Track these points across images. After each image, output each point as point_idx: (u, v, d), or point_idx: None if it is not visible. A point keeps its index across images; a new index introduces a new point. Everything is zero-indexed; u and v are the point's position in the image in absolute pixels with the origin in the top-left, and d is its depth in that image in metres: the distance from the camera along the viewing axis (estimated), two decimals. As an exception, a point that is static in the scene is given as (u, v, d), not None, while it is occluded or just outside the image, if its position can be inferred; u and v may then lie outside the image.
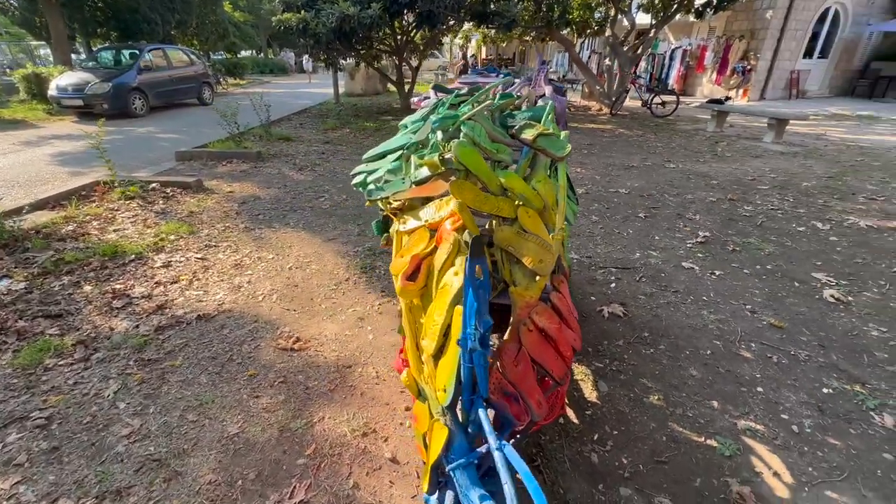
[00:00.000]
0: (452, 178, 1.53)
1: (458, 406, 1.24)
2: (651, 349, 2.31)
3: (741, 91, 13.02)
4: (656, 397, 2.00)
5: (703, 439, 1.79)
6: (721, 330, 2.46)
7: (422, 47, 10.94)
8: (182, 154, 6.20)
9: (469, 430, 1.24)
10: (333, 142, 7.47)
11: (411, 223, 1.53)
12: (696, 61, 14.28)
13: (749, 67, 12.74)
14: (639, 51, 11.07)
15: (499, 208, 1.50)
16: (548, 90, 2.29)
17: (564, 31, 11.93)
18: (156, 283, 2.91)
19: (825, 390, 2.03)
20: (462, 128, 1.65)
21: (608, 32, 11.16)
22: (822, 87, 14.35)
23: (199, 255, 3.32)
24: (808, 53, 13.55)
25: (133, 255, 3.25)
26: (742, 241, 3.58)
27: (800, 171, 5.74)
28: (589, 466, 1.66)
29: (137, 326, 2.44)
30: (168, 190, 4.71)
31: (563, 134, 1.74)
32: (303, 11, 7.64)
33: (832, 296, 2.78)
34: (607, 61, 13.47)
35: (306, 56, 21.16)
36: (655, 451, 1.74)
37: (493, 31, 12.42)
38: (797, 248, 3.47)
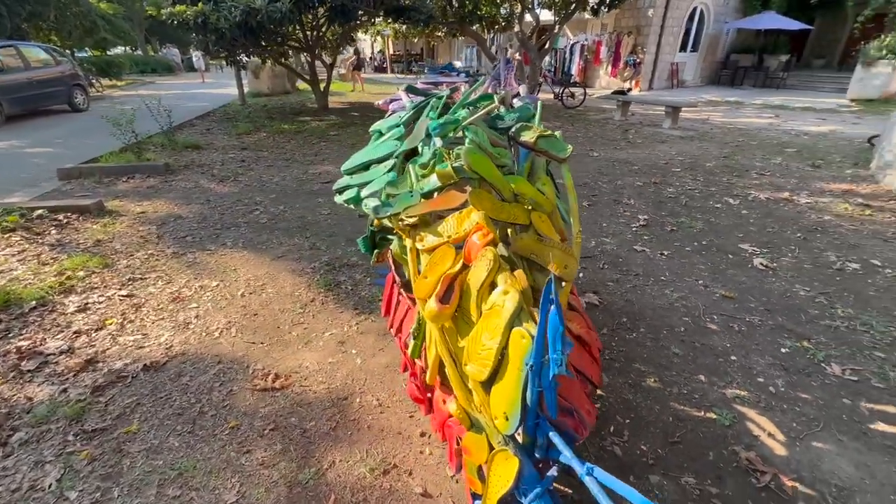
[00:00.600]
0: (468, 187, 1.44)
1: (518, 431, 1.17)
2: (633, 333, 2.43)
3: (634, 82, 14.37)
4: (652, 380, 2.10)
5: (702, 413, 1.91)
6: (686, 307, 2.67)
7: (334, 44, 10.44)
8: (67, 172, 5.24)
9: (536, 454, 1.18)
10: (251, 147, 6.84)
11: (429, 239, 1.41)
12: (594, 55, 15.45)
13: (639, 60, 14.09)
14: (546, 46, 11.67)
15: (514, 216, 1.44)
16: (522, 89, 2.27)
17: (474, 27, 12.17)
18: (75, 332, 2.41)
19: (783, 350, 2.29)
20: (467, 133, 1.56)
21: (516, 28, 11.60)
22: (696, 77, 16.36)
23: (123, 293, 2.82)
24: (683, 47, 15.35)
25: (33, 302, 2.66)
26: (676, 221, 3.93)
27: (699, 153, 6.46)
28: (615, 460, 1.69)
29: (66, 390, 2.00)
30: (60, 216, 3.94)
31: (557, 134, 1.72)
32: (200, 4, 6.84)
33: (761, 264, 3.16)
34: (517, 56, 14.02)
35: (197, 53, 19.13)
36: (667, 432, 1.82)
37: (405, 27, 12.28)
38: (720, 223, 3.90)
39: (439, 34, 13.44)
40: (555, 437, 1.11)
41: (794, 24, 14.15)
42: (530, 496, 1.11)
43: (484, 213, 1.38)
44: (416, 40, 18.14)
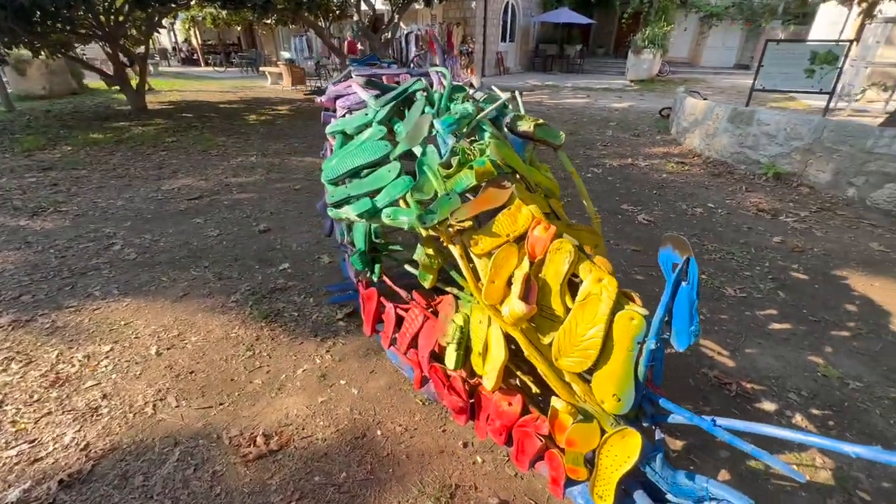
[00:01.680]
0: (506, 182, 1.40)
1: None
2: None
3: (470, 70, 15.43)
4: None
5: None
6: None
7: (140, 31, 8.59)
8: None
9: (644, 424, 1.25)
10: (59, 166, 5.27)
11: (485, 242, 1.32)
12: (428, 45, 16.03)
13: (471, 50, 15.16)
14: (388, 35, 11.65)
15: (540, 205, 1.47)
16: (475, 80, 2.25)
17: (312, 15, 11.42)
18: None
19: (693, 285, 2.84)
20: (484, 128, 1.51)
21: (355, 17, 11.28)
22: (516, 65, 18.40)
23: (-46, 394, 1.94)
24: (504, 38, 17.06)
25: None
26: (564, 193, 4.45)
27: (551, 131, 7.37)
28: (633, 410, 1.89)
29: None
30: None
31: (540, 120, 1.78)
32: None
33: (644, 219, 3.82)
34: (359, 45, 13.70)
35: None
36: (654, 373, 2.11)
37: (224, 13, 10.82)
38: (598, 190, 4.55)
39: (268, 22, 12.22)
40: (667, 404, 1.20)
41: (582, 19, 16.95)
42: (656, 462, 1.18)
43: (535, 206, 1.36)
44: (236, 28, 16.14)
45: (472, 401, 1.62)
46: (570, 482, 1.36)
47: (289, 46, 18.68)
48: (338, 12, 12.22)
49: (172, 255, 3.22)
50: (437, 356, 1.68)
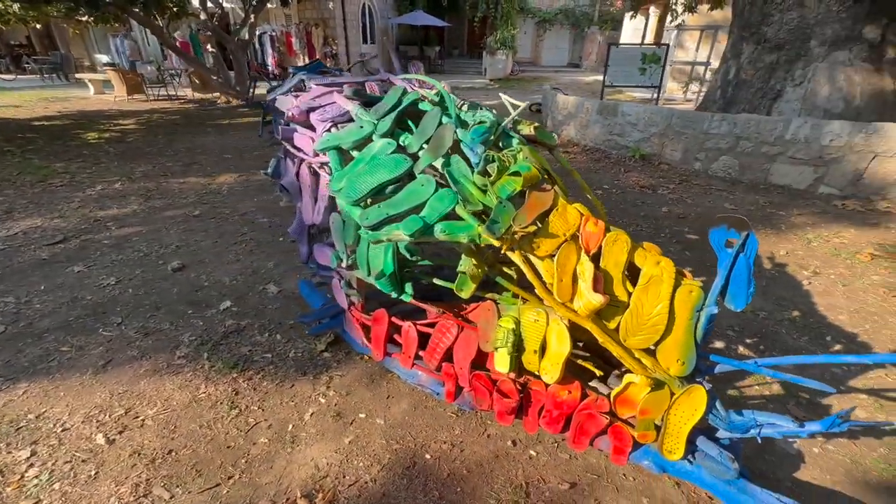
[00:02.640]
0: (545, 185, 1.48)
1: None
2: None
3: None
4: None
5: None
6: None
7: None
8: None
9: (697, 379, 1.45)
10: None
11: (546, 244, 1.37)
12: (286, 47, 15.06)
13: (334, 52, 14.68)
14: (245, 36, 10.62)
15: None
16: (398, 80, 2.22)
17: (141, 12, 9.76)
18: None
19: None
20: (511, 134, 1.55)
21: (202, 16, 10.02)
22: (381, 66, 18.43)
23: None
24: (366, 40, 16.90)
25: None
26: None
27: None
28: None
29: None
30: None
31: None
32: None
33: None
34: (209, 48, 12.23)
35: None
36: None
37: (17, 6, 8.66)
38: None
39: (82, 19, 10.10)
40: (716, 358, 1.41)
41: (438, 22, 17.70)
42: (717, 407, 1.38)
43: (579, 204, 1.45)
44: (23, 26, 12.98)
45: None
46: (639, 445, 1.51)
47: (108, 48, 15.72)
48: (175, 9, 10.68)
49: (62, 317, 2.53)
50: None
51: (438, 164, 1.54)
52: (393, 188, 1.52)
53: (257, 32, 14.90)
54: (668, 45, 7.78)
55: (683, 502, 1.54)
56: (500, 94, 1.86)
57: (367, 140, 1.68)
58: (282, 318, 2.53)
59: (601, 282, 1.36)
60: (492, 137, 1.51)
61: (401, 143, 1.64)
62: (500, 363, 1.57)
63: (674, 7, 8.42)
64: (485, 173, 1.45)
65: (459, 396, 1.80)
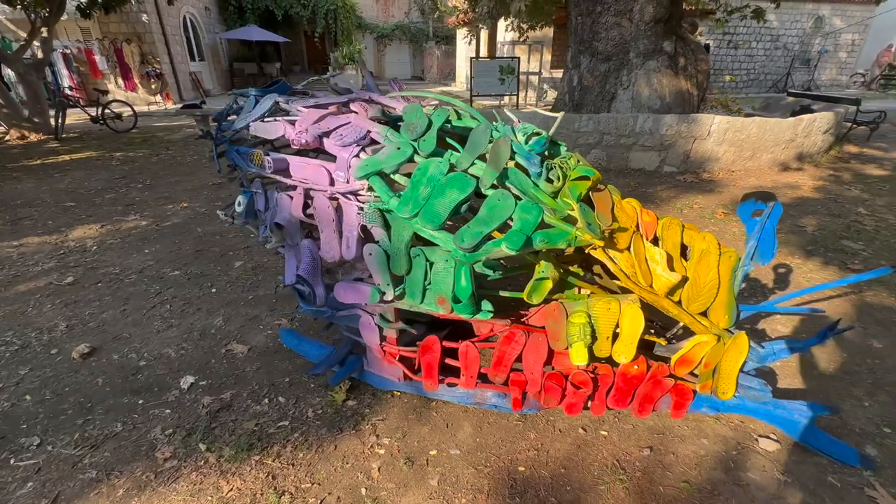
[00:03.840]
0: (599, 185, 1.63)
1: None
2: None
3: (165, 94, 12.93)
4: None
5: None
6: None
7: None
8: None
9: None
10: None
11: (623, 239, 1.51)
12: (89, 66, 12.47)
13: (159, 71, 12.68)
14: (39, 52, 8.44)
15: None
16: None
17: None
18: None
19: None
20: (559, 143, 1.66)
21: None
22: (216, 86, 16.57)
23: None
24: (193, 57, 15.00)
25: None
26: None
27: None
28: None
29: None
30: None
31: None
32: None
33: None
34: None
35: None
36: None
37: None
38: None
39: None
40: (741, 307, 1.73)
41: (275, 37, 16.73)
42: (752, 346, 1.70)
43: (631, 199, 1.63)
44: None
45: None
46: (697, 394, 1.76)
47: None
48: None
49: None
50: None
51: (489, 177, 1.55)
52: (465, 207, 1.48)
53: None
54: (518, 58, 8.83)
55: (727, 430, 1.84)
56: (506, 110, 1.94)
57: (409, 161, 1.59)
58: (272, 379, 2.18)
59: (671, 262, 1.56)
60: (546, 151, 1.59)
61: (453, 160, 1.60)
62: (578, 356, 1.65)
63: (510, 25, 9.59)
64: (550, 181, 1.53)
65: (525, 402, 1.83)
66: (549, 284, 1.62)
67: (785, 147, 5.88)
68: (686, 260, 1.63)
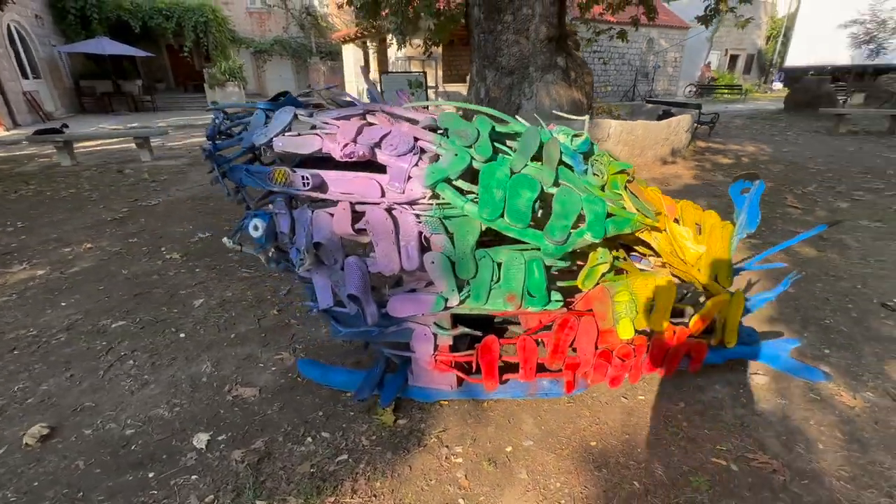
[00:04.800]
0: (632, 178, 1.86)
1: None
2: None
3: None
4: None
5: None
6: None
7: None
8: None
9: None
10: None
11: (662, 221, 1.74)
12: None
13: (-19, 91, 10.29)
14: None
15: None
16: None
17: None
18: None
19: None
20: (593, 143, 1.85)
21: None
22: (59, 107, 14.01)
23: None
24: (25, 74, 12.47)
25: None
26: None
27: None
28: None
29: None
30: None
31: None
32: None
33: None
34: None
35: None
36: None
37: None
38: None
39: None
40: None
41: (134, 51, 14.75)
42: (751, 300, 2.07)
43: (653, 186, 1.87)
44: None
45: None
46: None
47: None
48: None
49: None
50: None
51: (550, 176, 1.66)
52: (537, 206, 1.57)
53: None
54: (424, 73, 9.11)
55: (730, 374, 2.20)
56: (556, 111, 2.08)
57: (468, 167, 1.63)
58: (303, 416, 1.99)
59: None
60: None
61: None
62: (626, 331, 1.85)
63: (408, 41, 9.87)
64: (592, 176, 1.70)
65: (576, 383, 1.98)
66: (602, 269, 1.80)
67: (662, 144, 7.05)
68: (700, 234, 1.94)
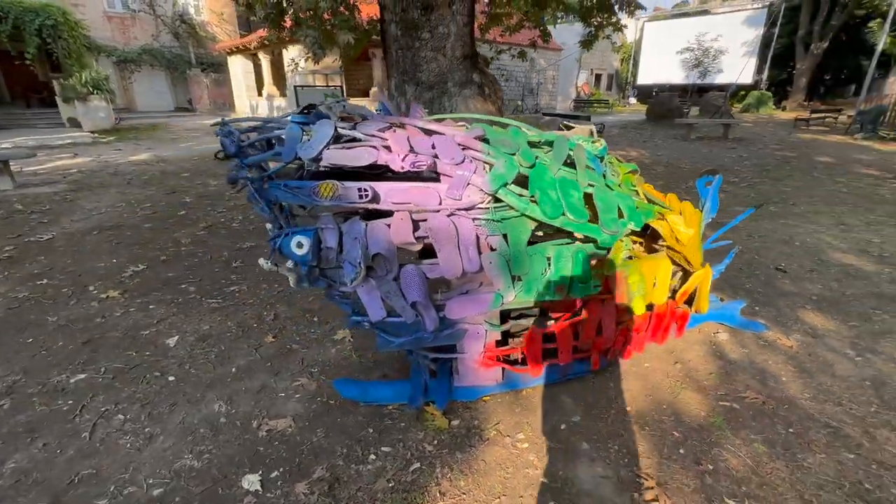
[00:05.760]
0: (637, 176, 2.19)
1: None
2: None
3: None
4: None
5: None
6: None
7: None
8: None
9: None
10: None
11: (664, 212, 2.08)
12: None
13: None
14: None
15: None
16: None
17: None
18: None
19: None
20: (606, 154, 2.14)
21: None
22: None
23: None
24: None
25: None
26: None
27: (158, 196, 5.94)
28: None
29: None
30: None
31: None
32: None
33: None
34: None
35: None
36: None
37: None
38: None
39: None
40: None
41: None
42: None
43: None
44: None
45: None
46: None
47: None
48: None
49: None
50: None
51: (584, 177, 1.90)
52: (583, 203, 1.79)
53: None
54: (342, 86, 8.95)
55: (700, 336, 2.65)
56: (561, 122, 2.30)
57: (518, 173, 1.78)
58: (354, 435, 1.93)
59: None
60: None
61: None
62: (639, 307, 2.16)
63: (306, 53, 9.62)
64: (611, 176, 1.98)
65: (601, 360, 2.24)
66: (622, 256, 2.08)
67: (570, 152, 7.93)
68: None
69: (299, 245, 1.78)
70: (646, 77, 24.80)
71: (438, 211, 1.73)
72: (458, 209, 1.74)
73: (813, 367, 2.36)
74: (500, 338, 2.02)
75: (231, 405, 2.10)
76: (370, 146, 1.70)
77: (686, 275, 2.37)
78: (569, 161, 1.99)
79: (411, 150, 1.69)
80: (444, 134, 1.87)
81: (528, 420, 2.01)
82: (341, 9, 6.33)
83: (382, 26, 8.00)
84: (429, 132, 1.90)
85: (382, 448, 1.87)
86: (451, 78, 7.84)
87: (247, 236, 4.38)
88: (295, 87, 8.04)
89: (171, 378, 2.29)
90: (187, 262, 3.76)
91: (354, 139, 1.78)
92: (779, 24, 20.58)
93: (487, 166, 1.77)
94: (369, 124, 1.86)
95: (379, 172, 1.89)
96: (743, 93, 21.80)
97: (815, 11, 20.54)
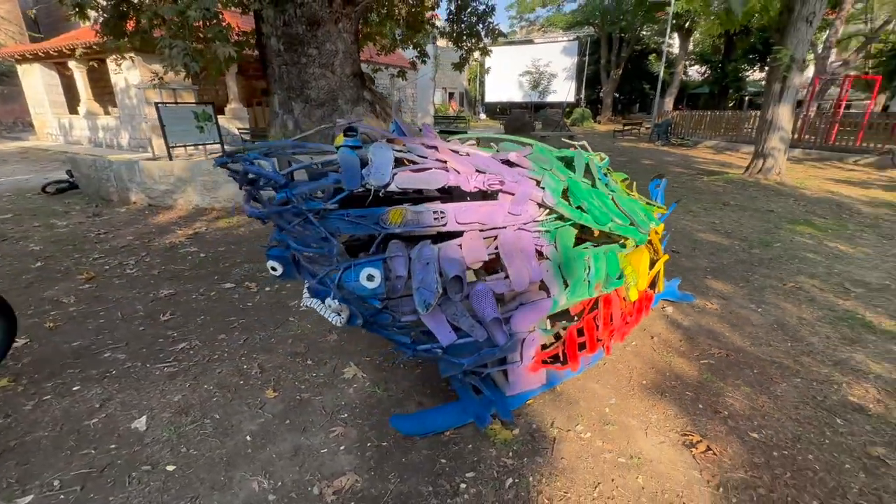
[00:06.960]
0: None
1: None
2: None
3: None
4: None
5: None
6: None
7: None
8: None
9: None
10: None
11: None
12: None
13: None
14: None
15: None
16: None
17: None
18: None
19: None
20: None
21: None
22: None
23: None
24: None
25: None
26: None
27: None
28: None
29: None
30: None
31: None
32: None
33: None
34: None
35: None
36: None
37: None
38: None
39: None
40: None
41: None
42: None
43: (622, 189, 2.59)
44: None
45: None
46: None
47: None
48: None
49: None
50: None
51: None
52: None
53: None
54: (213, 104, 7.85)
55: (658, 312, 3.18)
56: (573, 142, 2.50)
57: (560, 184, 1.94)
58: (430, 470, 1.84)
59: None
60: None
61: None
62: (634, 295, 2.53)
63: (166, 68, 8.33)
64: (613, 184, 2.30)
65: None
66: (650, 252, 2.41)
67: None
68: (647, 218, 2.79)
69: (370, 278, 1.64)
70: (492, 95, 27.68)
71: (504, 227, 1.79)
72: (521, 224, 1.83)
73: (738, 322, 3.05)
74: (545, 341, 2.14)
75: (272, 479, 1.78)
76: (439, 168, 1.67)
77: (652, 262, 2.84)
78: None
79: (478, 170, 1.72)
80: (479, 154, 1.94)
81: (576, 414, 2.17)
82: (214, 21, 5.67)
83: (260, 40, 7.44)
84: (462, 153, 1.94)
85: (467, 475, 1.82)
86: (342, 95, 7.68)
87: (158, 283, 3.62)
88: (156, 104, 6.81)
89: (169, 468, 1.82)
90: (90, 325, 2.96)
91: (412, 161, 1.73)
92: (587, 53, 25.19)
93: (535, 182, 1.90)
94: (417, 146, 1.82)
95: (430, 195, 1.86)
96: (569, 109, 25.95)
97: (610, 45, 25.71)
